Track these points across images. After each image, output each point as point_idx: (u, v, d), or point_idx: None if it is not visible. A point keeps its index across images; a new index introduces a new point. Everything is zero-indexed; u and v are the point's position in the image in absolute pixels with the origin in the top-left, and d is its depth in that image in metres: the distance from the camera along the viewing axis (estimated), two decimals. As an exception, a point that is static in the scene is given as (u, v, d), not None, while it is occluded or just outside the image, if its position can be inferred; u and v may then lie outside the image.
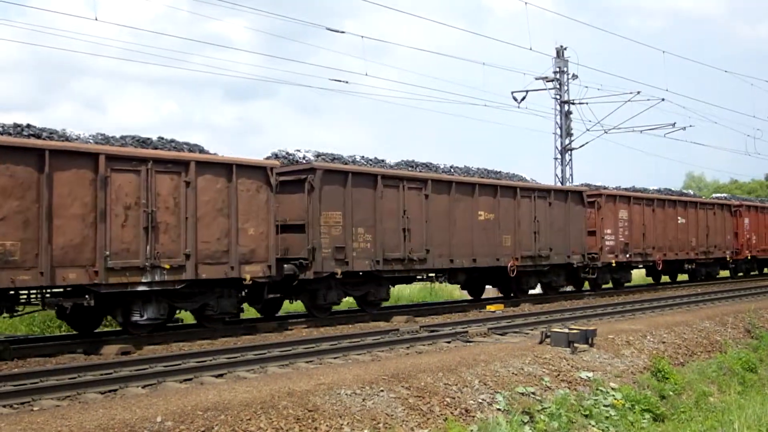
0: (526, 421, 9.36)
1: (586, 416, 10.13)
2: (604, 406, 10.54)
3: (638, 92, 31.96)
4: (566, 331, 12.67)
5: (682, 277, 32.11)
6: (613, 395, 10.88)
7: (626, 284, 26.61)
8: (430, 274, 18.80)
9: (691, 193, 29.79)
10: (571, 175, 33.55)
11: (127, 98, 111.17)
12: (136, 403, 7.83)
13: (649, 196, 26.67)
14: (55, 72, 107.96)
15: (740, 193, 56.48)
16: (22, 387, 8.77)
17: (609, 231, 24.06)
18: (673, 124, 34.01)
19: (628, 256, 24.78)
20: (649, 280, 32.15)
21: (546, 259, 21.30)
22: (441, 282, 19.88)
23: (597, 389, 10.97)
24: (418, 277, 18.76)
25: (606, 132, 33.90)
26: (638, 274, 31.60)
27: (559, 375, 11.09)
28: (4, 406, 8.08)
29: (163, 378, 9.53)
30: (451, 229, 18.37)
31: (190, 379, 9.65)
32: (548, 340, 12.43)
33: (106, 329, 15.33)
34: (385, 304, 18.55)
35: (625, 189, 26.61)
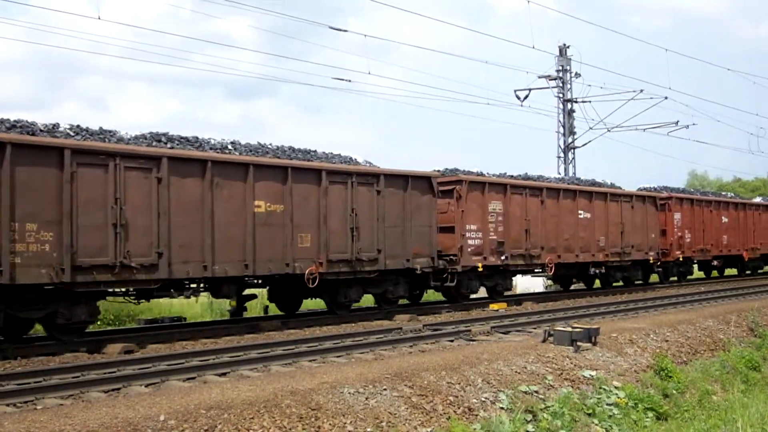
0: (529, 419, 9.36)
1: (589, 415, 10.13)
2: (607, 404, 10.54)
3: (641, 90, 32.03)
4: (569, 329, 12.67)
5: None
6: (616, 394, 10.88)
7: (506, 293, 21.79)
8: (191, 285, 13.86)
9: (609, 183, 25.77)
10: (575, 173, 33.55)
11: (130, 97, 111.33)
12: (140, 402, 7.84)
13: (535, 185, 21.58)
14: (57, 71, 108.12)
15: (744, 191, 56.36)
16: (25, 386, 8.78)
17: (474, 227, 19.17)
18: (676, 123, 34.12)
19: (503, 258, 19.83)
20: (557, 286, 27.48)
21: (372, 263, 16.47)
22: (189, 296, 14.07)
23: (600, 388, 10.97)
24: (176, 290, 13.66)
25: (609, 130, 33.98)
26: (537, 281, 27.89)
27: (562, 374, 11.09)
28: (8, 405, 8.09)
29: (167, 377, 9.54)
30: (208, 226, 13.62)
31: (193, 378, 9.66)
32: (551, 338, 12.42)
33: (108, 328, 15.36)
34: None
35: (507, 176, 21.77)
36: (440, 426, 8.62)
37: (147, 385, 9.21)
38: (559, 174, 32.90)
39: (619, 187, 25.72)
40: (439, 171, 19.32)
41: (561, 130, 34.00)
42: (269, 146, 15.88)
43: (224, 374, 9.95)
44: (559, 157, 34.01)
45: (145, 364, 10.33)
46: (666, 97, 32.38)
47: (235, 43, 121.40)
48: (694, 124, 42.64)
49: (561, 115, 33.98)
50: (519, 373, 10.61)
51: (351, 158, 17.29)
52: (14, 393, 8.44)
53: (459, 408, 9.12)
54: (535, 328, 14.41)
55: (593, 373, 11.41)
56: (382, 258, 16.68)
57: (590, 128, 33.92)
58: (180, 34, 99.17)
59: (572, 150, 34.05)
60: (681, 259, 27.79)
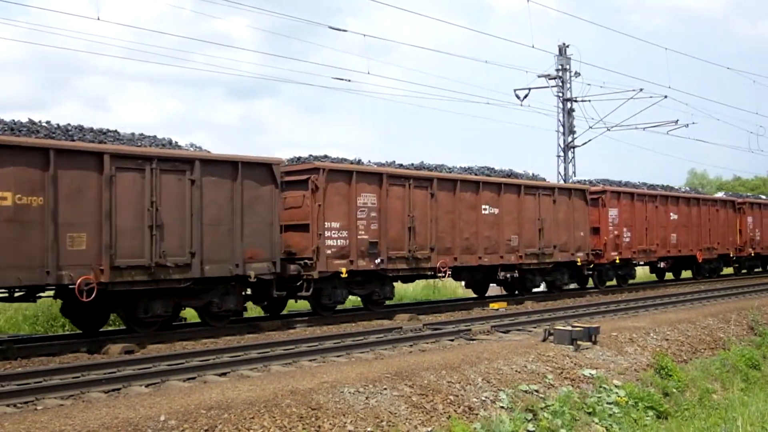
0: (529, 418, 9.37)
1: (589, 414, 10.15)
2: (608, 403, 10.55)
3: (641, 89, 31.94)
4: (569, 328, 12.68)
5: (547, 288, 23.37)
6: (617, 392, 10.89)
7: (387, 302, 18.36)
8: None
9: (531, 174, 22.36)
10: (574, 172, 33.54)
11: (131, 97, 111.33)
12: (140, 402, 7.85)
13: (422, 174, 18.10)
14: (57, 71, 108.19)
15: (744, 190, 56.39)
16: (26, 386, 8.79)
17: (336, 225, 15.94)
18: (676, 122, 33.99)
19: (378, 261, 16.64)
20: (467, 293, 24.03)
21: (182, 270, 13.18)
22: None
23: (600, 387, 10.98)
24: None
25: (609, 129, 33.89)
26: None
27: (562, 373, 11.10)
28: (8, 406, 8.09)
29: (167, 377, 9.55)
30: None
31: (193, 378, 9.68)
32: (551, 337, 12.44)
33: (109, 328, 15.37)
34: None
35: (397, 165, 18.38)
36: (440, 425, 8.62)
37: (147, 386, 9.22)
38: (560, 173, 32.92)
39: (543, 179, 22.47)
40: (298, 157, 16.62)
41: (561, 129, 33.94)
42: (43, 124, 12.62)
43: (224, 374, 9.96)
44: (558, 157, 33.96)
45: (145, 365, 10.33)
46: (666, 96, 32.29)
47: (235, 43, 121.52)
48: (693, 123, 42.62)
49: (561, 115, 33.93)
50: (519, 372, 10.62)
51: (171, 141, 13.96)
52: (14, 393, 8.45)
53: (459, 407, 9.13)
54: (535, 327, 14.43)
55: (593, 371, 11.42)
56: (197, 263, 13.37)
57: (590, 127, 33.82)
58: (180, 35, 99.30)
59: (572, 149, 33.99)
60: (618, 260, 24.50)
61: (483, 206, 19.44)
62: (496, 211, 19.80)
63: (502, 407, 9.45)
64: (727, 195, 34.80)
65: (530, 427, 9.20)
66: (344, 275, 16.03)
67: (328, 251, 15.76)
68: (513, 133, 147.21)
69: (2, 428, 6.87)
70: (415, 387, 9.23)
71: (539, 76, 33.53)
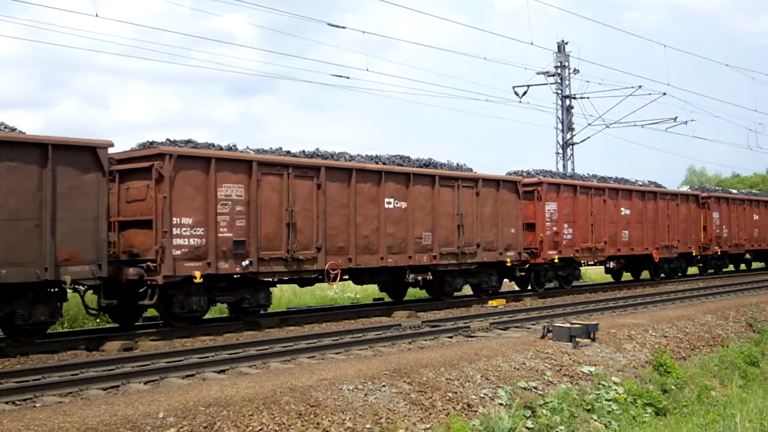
0: (528, 415, 9.38)
1: (588, 410, 10.16)
2: (606, 400, 10.56)
3: (639, 86, 32.01)
4: (568, 325, 12.69)
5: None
6: (615, 389, 10.90)
7: (263, 311, 15.68)
8: None
9: (450, 164, 19.56)
10: (573, 169, 33.56)
11: (130, 95, 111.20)
12: (139, 399, 7.85)
13: (305, 163, 15.50)
14: (56, 69, 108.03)
15: (742, 187, 56.31)
16: (25, 384, 8.79)
17: (189, 220, 13.40)
18: (675, 119, 34.02)
19: (245, 263, 14.12)
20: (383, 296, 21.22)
21: None
22: None
23: (599, 383, 11.00)
24: None
25: (608, 126, 33.95)
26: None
27: (561, 369, 11.11)
28: (7, 403, 8.09)
29: (166, 374, 9.56)
30: None
31: (192, 375, 9.68)
32: (550, 334, 12.45)
33: (108, 326, 15.38)
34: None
35: (284, 153, 15.77)
36: (439, 422, 8.63)
37: (146, 383, 9.23)
38: (559, 170, 32.88)
39: (470, 169, 19.91)
40: (151, 141, 13.99)
41: (559, 126, 33.99)
42: None
43: (223, 371, 9.97)
44: (557, 154, 34.02)
45: (144, 362, 10.34)
46: (664, 93, 32.35)
47: (235, 41, 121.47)
48: (692, 120, 42.37)
49: (559, 112, 33.96)
50: (518, 369, 10.63)
51: None
52: (13, 391, 8.45)
53: (458, 404, 9.14)
54: (533, 325, 14.45)
55: (592, 368, 11.44)
56: None
57: (589, 124, 33.89)
58: (179, 32, 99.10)
59: (571, 146, 34.05)
60: (557, 260, 21.87)
61: (387, 199, 16.94)
62: (404, 205, 17.33)
63: (501, 404, 9.46)
64: (692, 189, 32.22)
65: (529, 423, 9.21)
66: (199, 280, 13.52)
67: (177, 252, 13.19)
68: (512, 130, 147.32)
69: (1, 426, 6.87)
70: (413, 384, 9.24)
71: (538, 73, 33.58)
